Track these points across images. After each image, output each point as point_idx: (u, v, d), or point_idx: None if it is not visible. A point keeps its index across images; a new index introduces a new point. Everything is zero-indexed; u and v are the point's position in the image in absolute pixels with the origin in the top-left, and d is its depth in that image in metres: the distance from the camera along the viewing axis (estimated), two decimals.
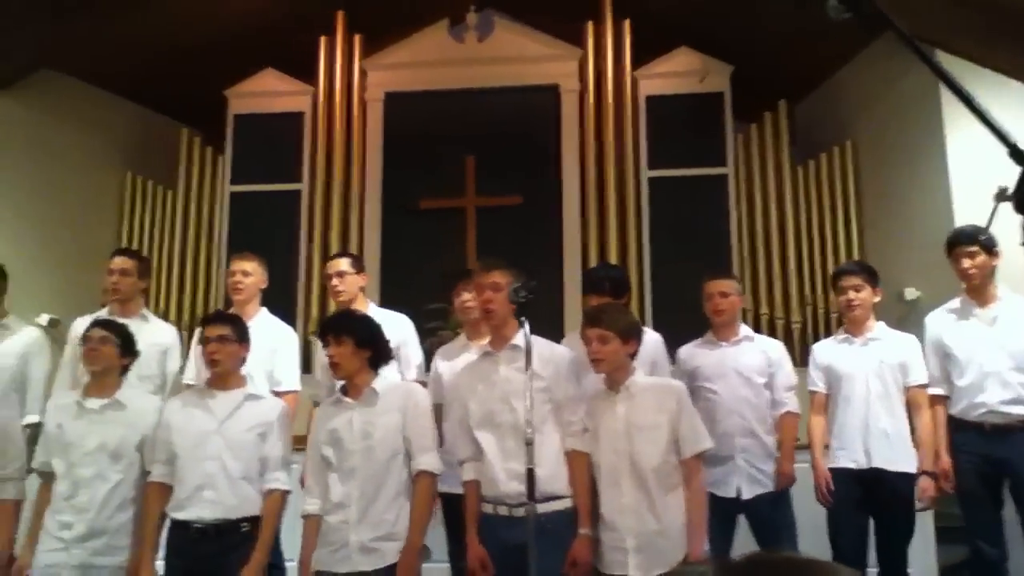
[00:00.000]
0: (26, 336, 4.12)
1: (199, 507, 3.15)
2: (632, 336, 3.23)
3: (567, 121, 7.53)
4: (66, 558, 3.15)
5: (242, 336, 3.34)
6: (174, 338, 4.31)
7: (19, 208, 7.16)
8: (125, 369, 3.43)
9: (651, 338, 3.94)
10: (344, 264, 4.24)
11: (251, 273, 4.15)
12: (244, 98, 7.82)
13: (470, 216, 7.49)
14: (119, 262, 4.23)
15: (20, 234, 7.02)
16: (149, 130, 8.32)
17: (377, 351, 3.20)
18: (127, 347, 3.41)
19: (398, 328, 4.11)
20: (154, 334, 4.14)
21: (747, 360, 4.14)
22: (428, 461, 3.14)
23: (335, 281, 4.16)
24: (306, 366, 4.65)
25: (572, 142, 7.49)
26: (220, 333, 3.26)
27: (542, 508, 2.97)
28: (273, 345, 4.07)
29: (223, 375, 3.29)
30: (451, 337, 6.20)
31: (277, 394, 3.86)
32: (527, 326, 3.09)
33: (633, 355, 3.28)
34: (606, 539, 3.09)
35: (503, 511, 3.11)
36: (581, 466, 3.15)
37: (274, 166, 7.73)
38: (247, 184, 7.70)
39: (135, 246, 7.84)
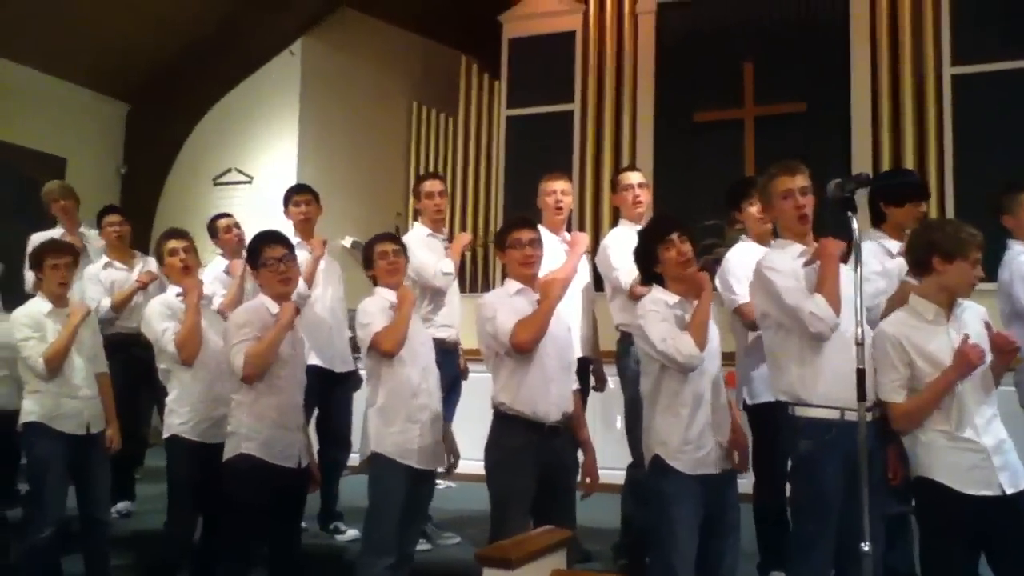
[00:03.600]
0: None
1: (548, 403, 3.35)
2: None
3: (856, 17, 6.88)
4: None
5: (543, 242, 3.55)
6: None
7: (324, 140, 7.88)
8: None
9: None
10: (641, 175, 4.27)
11: (569, 193, 4.31)
12: (518, 21, 7.95)
13: (748, 127, 7.14)
14: (436, 184, 4.51)
15: (327, 164, 7.73)
16: (432, 60, 8.77)
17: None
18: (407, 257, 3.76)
19: None
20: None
21: None
22: None
23: (639, 192, 4.17)
24: None
25: (862, 39, 6.84)
26: (533, 237, 3.40)
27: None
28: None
29: (535, 277, 3.44)
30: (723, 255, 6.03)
31: None
32: (855, 222, 2.73)
33: None
34: (970, 460, 2.76)
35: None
36: None
37: (548, 88, 7.81)
38: (522, 108, 7.87)
39: (421, 171, 8.38)
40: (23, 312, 3.95)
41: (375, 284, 3.61)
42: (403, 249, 3.66)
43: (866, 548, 2.49)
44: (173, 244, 3.89)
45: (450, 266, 4.22)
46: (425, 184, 4.55)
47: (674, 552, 2.90)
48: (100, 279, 4.89)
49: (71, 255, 4.00)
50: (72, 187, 5.33)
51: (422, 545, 3.91)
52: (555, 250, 4.08)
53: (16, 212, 5.35)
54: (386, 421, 3.39)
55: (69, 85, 7.50)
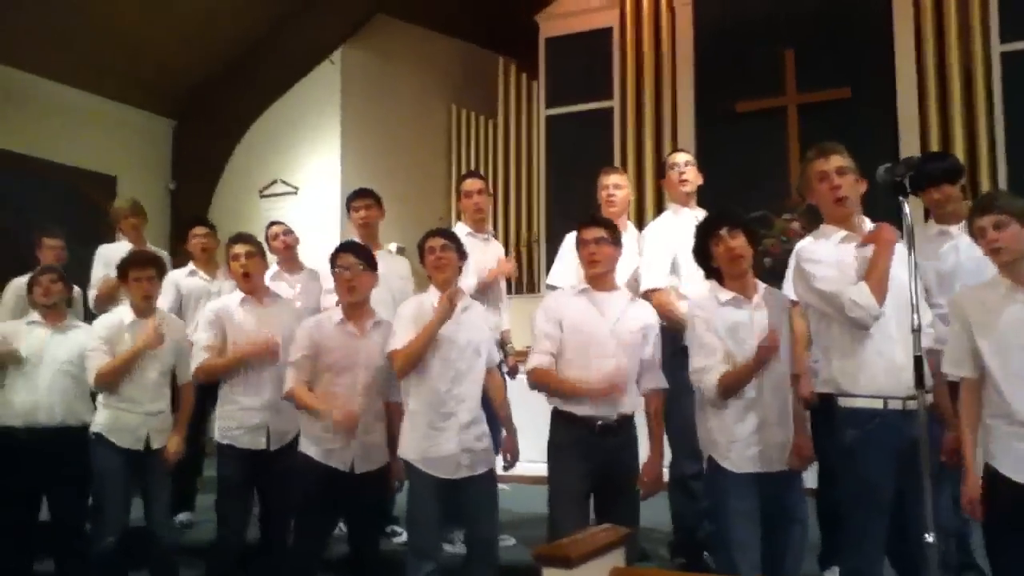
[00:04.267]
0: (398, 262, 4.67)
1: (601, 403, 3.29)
2: None
3: None
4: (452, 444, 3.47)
5: (616, 241, 3.45)
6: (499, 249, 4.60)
7: (366, 147, 7.96)
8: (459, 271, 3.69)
9: None
10: (688, 155, 4.21)
11: (622, 186, 4.26)
12: (554, 20, 7.95)
13: (791, 115, 7.05)
14: (476, 183, 4.50)
15: (369, 171, 7.79)
16: (470, 63, 8.80)
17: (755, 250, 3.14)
18: (461, 252, 3.62)
19: None
20: (494, 251, 4.49)
21: None
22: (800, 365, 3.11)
23: (684, 170, 4.13)
24: None
25: (905, 21, 6.72)
26: (598, 236, 3.37)
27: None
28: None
29: (604, 276, 3.38)
30: (775, 244, 5.95)
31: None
32: (906, 206, 2.67)
33: None
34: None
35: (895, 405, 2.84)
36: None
37: (586, 85, 7.80)
38: (561, 106, 7.87)
39: (461, 175, 8.40)
40: (103, 321, 4.02)
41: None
42: (455, 245, 3.58)
43: (930, 539, 2.44)
44: (236, 249, 3.95)
45: (470, 286, 4.08)
46: (465, 183, 4.55)
47: (733, 546, 2.87)
48: (179, 286, 4.92)
49: (155, 268, 4.03)
50: (141, 205, 5.37)
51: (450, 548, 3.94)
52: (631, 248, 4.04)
53: (70, 230, 5.47)
54: (412, 427, 3.39)
55: (117, 104, 7.67)
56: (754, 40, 7.19)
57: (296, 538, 3.58)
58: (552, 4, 7.94)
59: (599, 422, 3.23)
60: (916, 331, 2.59)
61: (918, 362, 2.58)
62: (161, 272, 4.12)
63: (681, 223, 3.94)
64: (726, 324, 3.00)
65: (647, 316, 3.42)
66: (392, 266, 4.52)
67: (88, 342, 3.97)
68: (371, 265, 3.61)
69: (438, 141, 8.68)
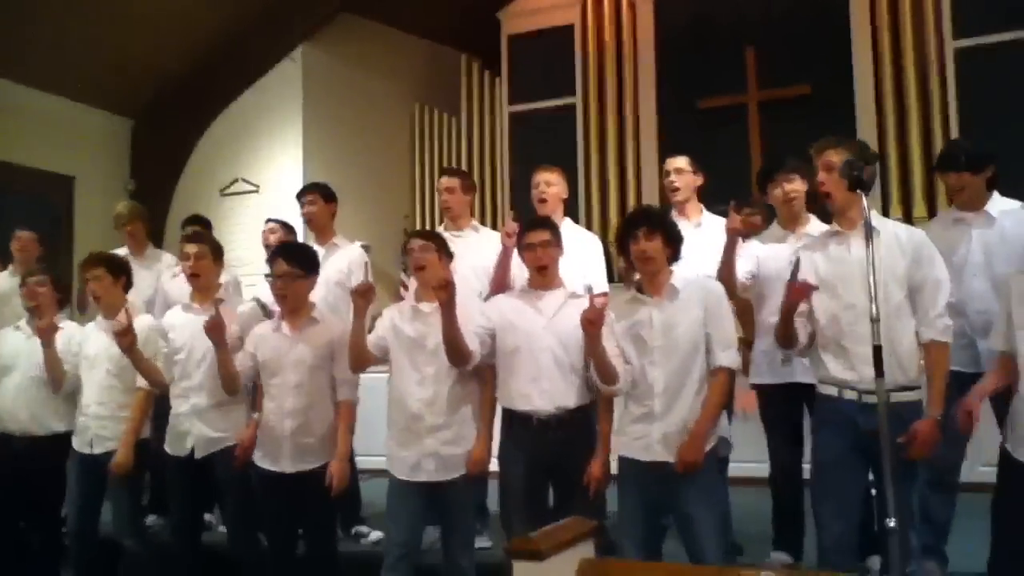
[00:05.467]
0: (352, 251, 4.54)
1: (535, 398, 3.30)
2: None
3: None
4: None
5: (559, 241, 3.45)
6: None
7: (328, 145, 7.90)
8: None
9: None
10: (682, 161, 4.20)
11: (554, 184, 4.23)
12: (516, 17, 7.96)
13: (753, 112, 7.14)
14: (444, 181, 4.44)
15: (332, 169, 7.72)
16: (432, 61, 8.78)
17: (676, 248, 3.16)
18: (444, 251, 3.54)
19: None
20: (487, 244, 4.29)
21: None
22: (728, 357, 3.10)
23: (673, 177, 4.13)
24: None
25: (863, 17, 6.84)
26: (543, 239, 3.38)
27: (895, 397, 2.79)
28: (581, 251, 4.15)
29: (546, 276, 3.41)
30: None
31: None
32: (863, 200, 2.80)
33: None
34: None
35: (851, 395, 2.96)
36: (942, 358, 2.93)
37: (548, 82, 7.83)
38: (524, 103, 7.89)
39: (426, 172, 8.39)
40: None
41: None
42: (435, 245, 3.55)
43: (891, 524, 2.51)
44: (186, 249, 3.91)
45: (474, 290, 4.07)
46: (438, 181, 4.55)
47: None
48: (166, 292, 4.82)
49: (104, 267, 4.01)
50: (142, 209, 5.31)
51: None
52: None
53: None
54: (388, 427, 3.48)
55: (74, 104, 7.54)
56: (716, 38, 7.27)
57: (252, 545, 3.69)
58: (514, 1, 7.95)
59: (535, 417, 3.28)
60: (875, 321, 2.66)
61: (877, 351, 2.65)
62: (116, 272, 4.05)
63: None
64: (629, 322, 3.14)
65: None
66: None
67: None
68: (306, 269, 3.62)
69: (401, 139, 8.64)
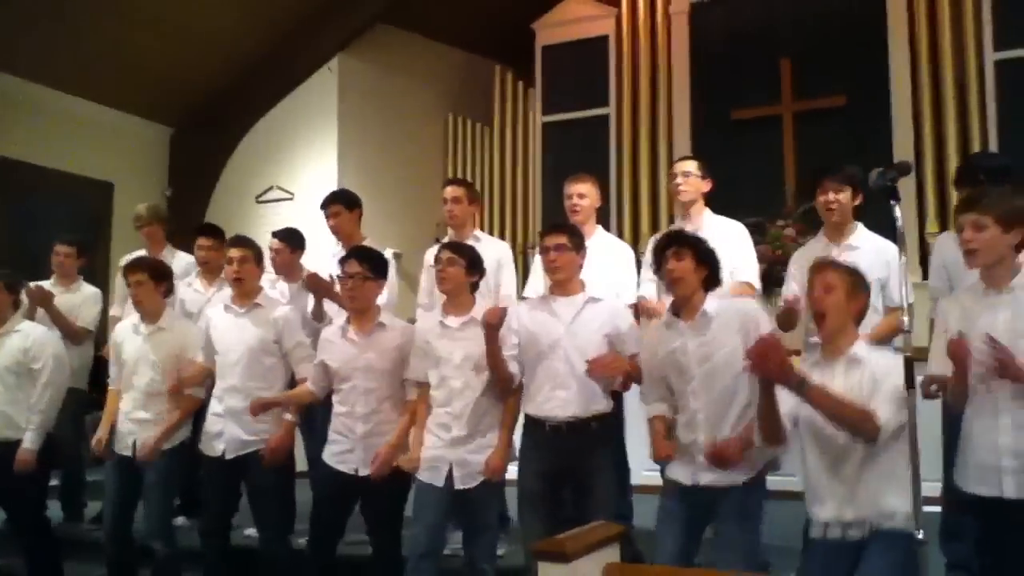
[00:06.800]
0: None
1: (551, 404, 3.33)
2: (1017, 223, 2.66)
3: (893, 6, 6.79)
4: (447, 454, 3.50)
5: (579, 246, 3.45)
6: (507, 253, 4.47)
7: (363, 154, 7.98)
8: (475, 287, 3.65)
9: None
10: (690, 165, 4.21)
11: (586, 195, 4.25)
12: (551, 28, 7.99)
13: (787, 123, 7.09)
14: (451, 191, 4.49)
15: (366, 178, 7.80)
16: (466, 71, 8.83)
17: (711, 270, 3.09)
18: (473, 266, 3.61)
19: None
20: (487, 252, 4.36)
21: None
22: None
23: (679, 180, 4.14)
24: None
25: (900, 28, 6.75)
26: (558, 243, 3.40)
27: None
28: (615, 261, 4.17)
29: (565, 282, 3.42)
30: (768, 252, 5.96)
31: None
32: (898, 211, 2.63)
33: (1020, 247, 2.72)
34: (977, 459, 2.70)
35: None
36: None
37: (582, 93, 7.84)
38: (557, 114, 7.90)
39: None
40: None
41: None
42: (463, 259, 3.59)
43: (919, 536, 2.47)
44: (230, 253, 4.01)
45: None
46: (443, 190, 4.57)
47: None
48: (182, 298, 4.89)
49: (145, 272, 4.07)
50: (160, 210, 5.46)
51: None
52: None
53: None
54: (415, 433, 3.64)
55: (114, 112, 7.68)
56: (750, 49, 7.23)
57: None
58: (549, 12, 7.98)
59: (548, 423, 3.32)
60: (907, 332, 2.60)
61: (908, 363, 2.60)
62: (158, 278, 4.10)
63: None
64: (667, 348, 3.11)
65: (608, 316, 3.42)
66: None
67: None
68: (377, 272, 3.67)
69: (435, 148, 8.70)
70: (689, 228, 3.96)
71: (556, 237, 3.42)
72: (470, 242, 4.37)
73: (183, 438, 4.03)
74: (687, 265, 3.06)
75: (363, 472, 3.56)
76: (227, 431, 3.82)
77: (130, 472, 3.97)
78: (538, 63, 8.02)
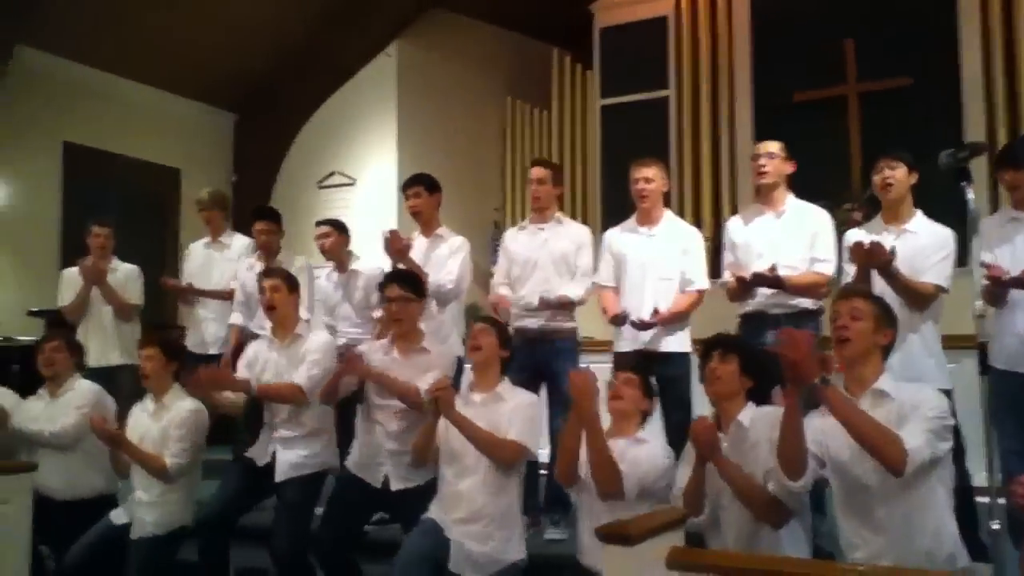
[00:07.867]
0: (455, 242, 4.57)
1: None
2: None
3: None
4: None
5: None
6: (587, 236, 4.42)
7: (422, 139, 8.04)
8: (505, 364, 3.55)
9: None
10: (774, 146, 4.12)
11: (653, 179, 4.21)
12: (609, 10, 7.93)
13: (852, 104, 6.94)
14: (537, 172, 4.45)
15: (425, 162, 7.84)
16: (524, 55, 8.82)
17: (758, 382, 2.93)
18: (505, 342, 3.54)
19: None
20: (570, 234, 4.37)
21: None
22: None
23: (763, 161, 4.05)
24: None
25: (971, 8, 6.55)
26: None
27: None
28: (684, 245, 4.15)
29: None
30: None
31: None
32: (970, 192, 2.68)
33: None
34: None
35: None
36: None
37: (641, 75, 7.76)
38: (616, 96, 7.84)
39: (517, 165, 8.45)
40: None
41: None
42: (491, 327, 3.54)
43: (995, 527, 2.43)
44: (264, 283, 3.95)
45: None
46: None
47: None
48: (243, 284, 4.94)
49: (156, 348, 4.01)
50: (221, 195, 5.56)
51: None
52: (636, 242, 4.17)
53: (137, 222, 5.67)
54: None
55: (181, 99, 7.87)
56: (813, 29, 7.08)
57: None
58: None
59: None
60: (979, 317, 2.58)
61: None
62: (170, 355, 4.01)
63: (753, 227, 4.02)
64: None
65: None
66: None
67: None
68: (418, 292, 3.71)
69: (493, 132, 8.72)
70: (770, 213, 3.96)
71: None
72: (552, 224, 4.42)
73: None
74: (730, 368, 2.88)
75: (395, 486, 3.56)
76: (280, 456, 3.79)
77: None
78: (596, 45, 7.97)
